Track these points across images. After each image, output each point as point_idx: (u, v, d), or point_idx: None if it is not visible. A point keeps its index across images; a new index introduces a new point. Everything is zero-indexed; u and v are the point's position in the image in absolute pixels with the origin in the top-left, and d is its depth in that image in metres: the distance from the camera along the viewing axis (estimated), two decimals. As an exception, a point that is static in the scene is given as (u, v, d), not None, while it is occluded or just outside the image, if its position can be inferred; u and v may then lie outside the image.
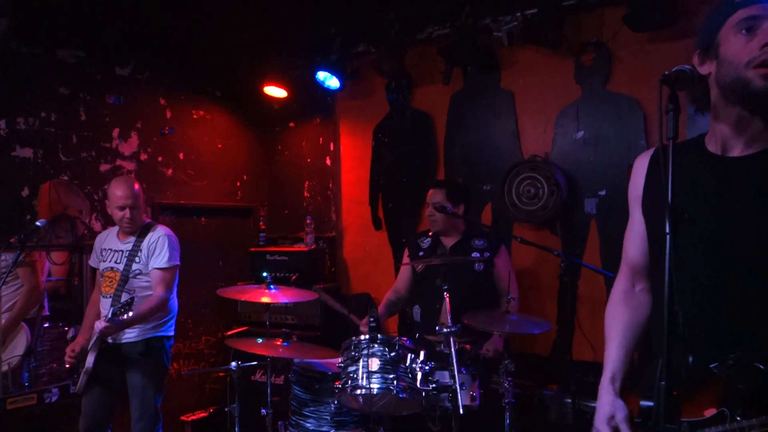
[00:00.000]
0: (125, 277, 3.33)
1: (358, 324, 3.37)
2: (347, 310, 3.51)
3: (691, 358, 1.34)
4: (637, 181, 1.63)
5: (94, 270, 3.66)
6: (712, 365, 1.34)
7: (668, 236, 1.29)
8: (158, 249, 3.38)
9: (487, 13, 3.89)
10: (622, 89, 3.72)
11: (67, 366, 3.28)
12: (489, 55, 4.17)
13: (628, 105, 3.69)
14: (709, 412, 1.36)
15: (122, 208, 3.33)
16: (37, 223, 3.22)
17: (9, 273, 3.30)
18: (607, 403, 1.55)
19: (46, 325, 3.87)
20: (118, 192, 3.33)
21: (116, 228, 3.53)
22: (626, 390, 1.59)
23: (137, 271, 3.36)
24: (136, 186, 3.41)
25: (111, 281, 3.39)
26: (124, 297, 3.29)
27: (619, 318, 1.67)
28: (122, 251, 3.42)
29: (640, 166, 1.63)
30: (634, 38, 3.60)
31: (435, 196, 3.49)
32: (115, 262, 3.41)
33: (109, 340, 3.31)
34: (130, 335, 3.34)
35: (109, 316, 3.06)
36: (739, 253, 1.39)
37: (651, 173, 1.59)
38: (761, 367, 1.30)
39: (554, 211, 3.80)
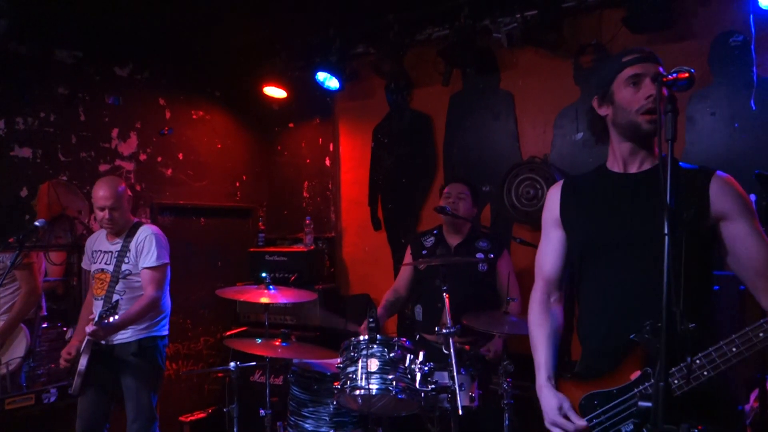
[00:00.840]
0: (116, 278, 3.33)
1: (357, 331, 3.38)
2: (344, 322, 3.50)
3: (633, 335, 1.65)
4: (552, 206, 1.99)
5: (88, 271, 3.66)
6: (632, 336, 1.66)
7: (666, 237, 1.42)
8: (146, 248, 3.37)
9: (486, 14, 3.89)
10: (621, 91, 3.72)
11: (61, 367, 3.27)
12: (488, 56, 4.17)
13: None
14: (635, 375, 1.66)
15: (102, 209, 3.31)
16: (36, 224, 3.21)
17: (6, 275, 3.30)
18: (552, 397, 1.80)
19: (44, 325, 3.86)
20: (99, 192, 3.32)
21: None
22: (559, 380, 1.87)
23: (127, 272, 3.35)
24: (120, 187, 3.38)
25: (102, 283, 3.38)
26: (116, 298, 3.28)
27: (543, 326, 1.97)
28: (111, 252, 3.41)
29: (554, 195, 1.99)
30: (633, 40, 3.59)
31: (458, 187, 3.56)
32: (105, 264, 3.41)
33: (102, 341, 3.31)
34: (123, 336, 3.34)
35: (96, 319, 3.05)
36: (646, 243, 1.70)
37: (564, 199, 1.96)
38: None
39: (553, 212, 3.80)
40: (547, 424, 1.79)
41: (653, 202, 1.69)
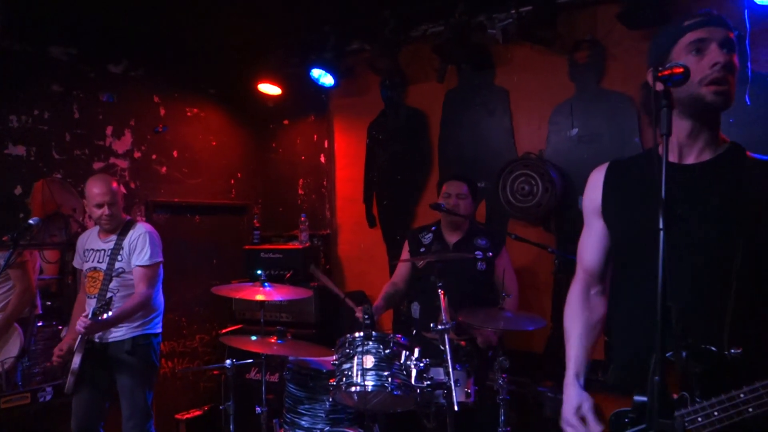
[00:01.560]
0: (109, 276, 3.31)
1: (353, 308, 3.35)
2: (343, 294, 3.49)
3: (669, 353, 1.40)
4: (594, 194, 1.78)
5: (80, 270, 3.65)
6: (668, 354, 1.40)
7: (661, 232, 1.33)
8: (140, 246, 3.36)
9: (481, 10, 3.88)
10: (615, 86, 3.73)
11: (54, 364, 3.26)
12: (483, 52, 4.17)
13: (621, 102, 3.70)
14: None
15: (100, 206, 3.31)
16: (30, 222, 3.19)
17: (0, 274, 3.28)
18: (574, 396, 1.67)
19: (39, 324, 3.84)
20: (95, 190, 3.31)
21: (97, 228, 3.52)
22: (590, 383, 1.71)
23: (120, 270, 3.35)
24: (113, 183, 3.39)
25: (95, 281, 3.37)
26: (109, 295, 3.27)
27: (578, 319, 1.80)
28: (104, 250, 3.40)
29: (596, 180, 1.79)
30: (628, 36, 3.60)
31: (456, 186, 3.52)
32: (98, 262, 3.40)
33: (96, 339, 3.30)
34: (116, 334, 3.33)
35: (90, 315, 3.05)
36: (704, 249, 1.52)
37: (608, 185, 1.75)
38: (713, 349, 1.40)
39: (548, 208, 3.80)
40: (562, 422, 1.68)
41: (712, 200, 1.53)
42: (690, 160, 1.62)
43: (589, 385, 1.73)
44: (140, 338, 3.38)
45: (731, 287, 1.40)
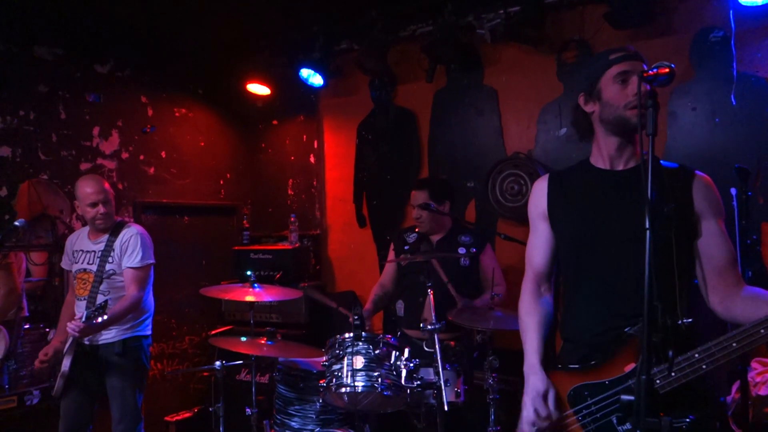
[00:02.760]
0: (99, 278, 3.28)
1: (348, 315, 3.35)
2: (336, 303, 3.49)
3: (628, 329, 1.70)
4: (539, 200, 2.02)
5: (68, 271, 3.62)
6: (627, 329, 1.71)
7: (648, 231, 1.45)
8: (131, 248, 3.33)
9: (469, 10, 3.90)
10: (603, 86, 3.75)
11: (37, 368, 3.24)
12: (472, 52, 4.18)
13: (609, 102, 3.73)
14: (629, 367, 1.69)
15: (95, 204, 3.28)
16: (16, 223, 3.17)
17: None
18: (540, 382, 1.81)
19: (26, 326, 3.81)
20: (87, 189, 3.28)
21: (87, 229, 3.49)
22: (549, 371, 1.85)
23: (111, 271, 3.32)
24: (105, 183, 3.38)
25: (85, 283, 3.34)
26: (100, 298, 3.24)
27: (533, 314, 1.99)
28: (94, 252, 3.37)
29: (540, 188, 2.02)
30: (615, 36, 3.62)
31: (418, 197, 3.46)
32: (88, 263, 3.37)
33: (86, 342, 3.27)
34: (107, 336, 3.31)
35: (84, 318, 3.02)
36: (636, 238, 1.65)
37: (552, 192, 1.99)
38: (668, 321, 1.59)
39: (537, 207, 3.81)
40: (524, 407, 1.80)
41: (639, 199, 1.73)
42: (620, 168, 1.89)
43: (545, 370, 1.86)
44: (131, 340, 3.36)
45: (673, 267, 1.62)
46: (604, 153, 1.90)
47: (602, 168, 1.90)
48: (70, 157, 4.11)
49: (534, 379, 1.83)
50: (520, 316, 2.02)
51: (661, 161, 1.82)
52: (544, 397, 1.78)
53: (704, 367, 1.54)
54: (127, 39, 4.31)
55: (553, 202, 1.98)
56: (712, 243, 1.78)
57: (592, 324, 1.84)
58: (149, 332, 3.49)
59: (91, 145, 4.24)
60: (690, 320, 1.48)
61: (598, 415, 1.71)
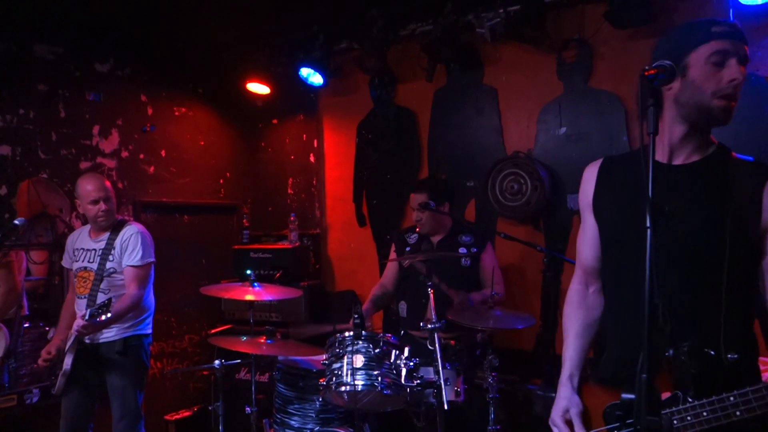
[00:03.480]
0: (100, 276, 3.29)
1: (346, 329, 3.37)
2: (332, 325, 3.49)
3: (671, 351, 1.45)
4: (587, 189, 1.79)
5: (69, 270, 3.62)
6: (667, 353, 1.46)
7: (648, 230, 1.35)
8: (131, 246, 3.33)
9: (469, 9, 3.89)
10: (603, 85, 3.75)
11: (39, 367, 3.24)
12: (472, 51, 4.18)
13: (609, 101, 3.72)
14: (665, 396, 1.48)
15: (96, 202, 3.28)
16: (16, 222, 3.16)
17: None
18: (564, 398, 1.68)
19: (26, 325, 3.81)
20: (89, 187, 3.29)
21: (88, 227, 3.49)
22: (583, 381, 1.73)
23: (111, 270, 3.32)
24: (106, 181, 3.38)
25: (85, 281, 3.34)
26: (100, 297, 3.24)
27: (576, 318, 1.80)
28: (95, 250, 3.37)
29: (590, 175, 1.79)
30: (615, 35, 3.63)
31: (417, 198, 3.47)
32: (89, 262, 3.37)
33: (86, 340, 3.27)
34: (107, 335, 3.31)
35: (87, 317, 3.02)
36: (693, 248, 1.53)
37: (600, 181, 1.76)
38: (712, 352, 1.43)
39: (537, 206, 3.82)
40: (550, 421, 1.70)
41: (694, 199, 1.56)
42: (679, 161, 1.63)
43: (582, 380, 1.74)
44: (131, 339, 3.36)
45: (722, 286, 1.41)
46: (665, 140, 1.62)
47: (658, 160, 1.61)
48: (70, 156, 4.11)
49: (561, 393, 1.70)
50: (563, 319, 1.85)
51: (735, 154, 1.59)
52: (565, 413, 1.66)
53: (738, 414, 1.36)
54: (127, 38, 4.31)
55: (599, 193, 1.76)
56: None
57: (627, 336, 1.65)
58: (150, 331, 3.49)
59: (91, 144, 4.24)
60: (736, 356, 1.31)
61: None
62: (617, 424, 1.57)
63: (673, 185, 1.59)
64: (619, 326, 1.72)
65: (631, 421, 1.52)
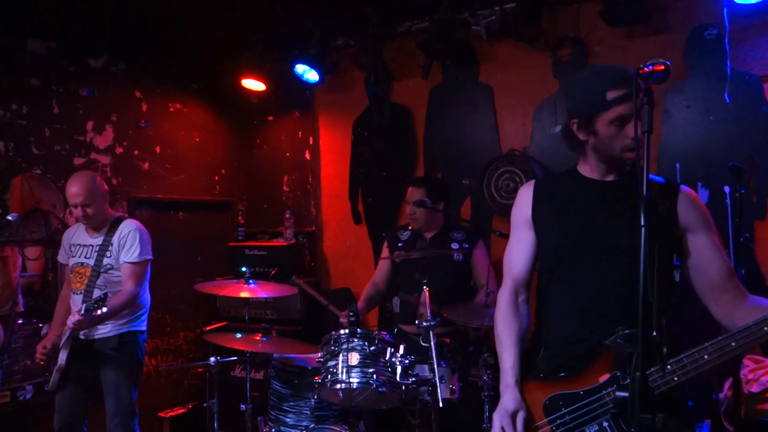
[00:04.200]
0: (96, 272, 3.29)
1: (338, 314, 3.37)
2: (327, 301, 3.51)
3: (606, 341, 1.71)
4: (523, 207, 2.00)
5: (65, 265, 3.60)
6: (605, 341, 1.71)
7: (643, 228, 1.44)
8: (129, 243, 3.33)
9: (465, 6, 3.89)
10: (598, 84, 3.76)
11: (37, 362, 3.23)
12: (468, 49, 4.18)
13: (604, 99, 3.73)
14: (603, 378, 1.70)
15: (75, 207, 3.28)
16: (9, 218, 3.15)
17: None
18: (512, 401, 1.78)
19: (20, 321, 3.79)
20: (71, 189, 3.27)
21: None
22: (524, 381, 1.85)
23: (108, 266, 3.32)
24: (94, 182, 3.33)
25: (81, 277, 3.33)
26: (96, 292, 3.24)
27: (511, 327, 1.94)
28: (92, 246, 3.37)
29: (526, 195, 2.01)
30: (611, 33, 3.64)
31: (415, 193, 3.52)
32: (85, 257, 3.36)
33: (81, 336, 3.27)
34: (102, 331, 3.31)
35: (83, 311, 3.01)
36: (619, 250, 1.76)
37: (537, 199, 1.98)
38: (642, 334, 1.57)
39: (532, 204, 3.83)
40: (493, 425, 1.78)
41: (625, 210, 1.76)
42: (609, 178, 1.88)
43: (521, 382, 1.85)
44: (126, 335, 3.36)
45: (654, 282, 1.54)
46: (594, 167, 1.90)
47: (590, 177, 1.90)
48: (64, 152, 4.09)
49: (506, 397, 1.80)
50: (496, 329, 1.97)
51: (650, 175, 1.76)
52: (513, 416, 1.75)
53: (675, 379, 1.58)
54: (121, 33, 4.28)
55: (538, 209, 1.97)
56: (704, 258, 1.79)
57: (570, 333, 1.84)
58: (145, 327, 3.49)
59: (85, 139, 4.22)
60: (657, 334, 1.45)
61: (571, 425, 1.71)
62: (561, 413, 1.73)
63: (607, 197, 1.85)
64: (561, 325, 1.89)
65: (573, 407, 1.71)
